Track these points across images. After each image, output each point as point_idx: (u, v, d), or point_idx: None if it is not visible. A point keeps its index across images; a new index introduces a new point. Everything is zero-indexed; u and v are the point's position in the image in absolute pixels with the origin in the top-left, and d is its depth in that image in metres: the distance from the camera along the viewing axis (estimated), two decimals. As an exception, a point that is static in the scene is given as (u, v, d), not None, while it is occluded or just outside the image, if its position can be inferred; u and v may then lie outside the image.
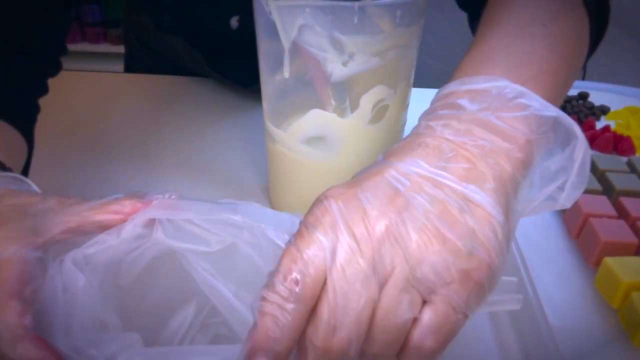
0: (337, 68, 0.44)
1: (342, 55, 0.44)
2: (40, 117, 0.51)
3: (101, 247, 0.31)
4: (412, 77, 0.51)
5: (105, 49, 2.34)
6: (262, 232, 0.32)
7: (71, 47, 0.56)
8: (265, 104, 0.51)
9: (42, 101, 0.52)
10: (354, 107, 0.46)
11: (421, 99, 0.35)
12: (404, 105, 0.51)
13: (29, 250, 0.31)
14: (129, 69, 0.87)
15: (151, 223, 0.32)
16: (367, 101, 0.46)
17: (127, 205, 0.33)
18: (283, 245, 0.28)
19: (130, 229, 0.32)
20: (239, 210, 0.32)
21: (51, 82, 0.54)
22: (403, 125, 0.53)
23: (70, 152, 0.62)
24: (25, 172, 0.47)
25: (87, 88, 0.78)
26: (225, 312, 0.32)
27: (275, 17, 0.42)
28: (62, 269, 0.30)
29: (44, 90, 0.53)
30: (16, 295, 0.29)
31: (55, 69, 0.55)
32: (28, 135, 0.47)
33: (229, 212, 0.32)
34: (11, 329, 0.29)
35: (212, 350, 0.29)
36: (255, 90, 0.57)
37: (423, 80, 0.68)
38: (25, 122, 0.48)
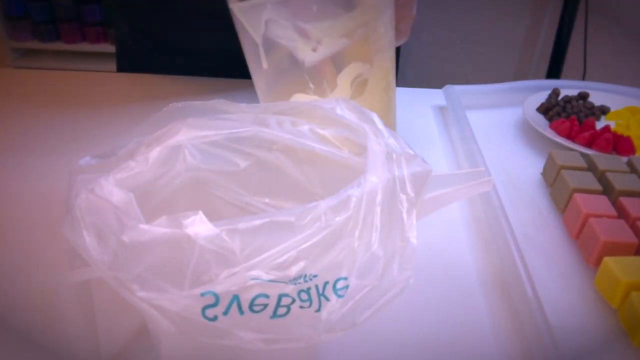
0: (307, 55, 0.45)
1: (310, 42, 0.44)
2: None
3: (130, 173, 0.30)
4: (393, 45, 0.50)
5: (105, 49, 2.34)
6: (297, 140, 0.31)
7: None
8: (260, 98, 0.52)
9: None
10: (332, 86, 0.47)
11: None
12: (385, 75, 0.50)
13: None
14: (120, 68, 0.87)
15: (177, 149, 0.32)
16: (344, 79, 0.47)
17: None
18: (317, 147, 0.31)
19: (156, 155, 0.31)
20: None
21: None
22: (393, 95, 0.52)
23: (70, 151, 0.62)
24: None
25: (87, 88, 0.78)
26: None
27: (240, 17, 0.43)
28: (96, 190, 0.28)
29: None
30: None
31: None
32: None
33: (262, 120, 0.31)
34: None
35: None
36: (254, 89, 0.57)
37: (423, 80, 0.68)
38: None
